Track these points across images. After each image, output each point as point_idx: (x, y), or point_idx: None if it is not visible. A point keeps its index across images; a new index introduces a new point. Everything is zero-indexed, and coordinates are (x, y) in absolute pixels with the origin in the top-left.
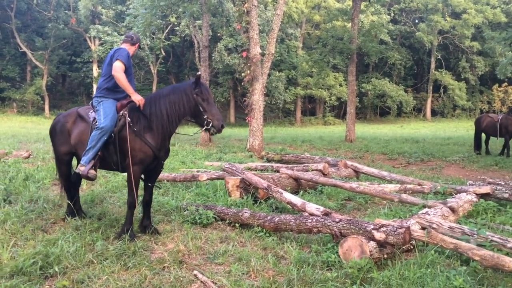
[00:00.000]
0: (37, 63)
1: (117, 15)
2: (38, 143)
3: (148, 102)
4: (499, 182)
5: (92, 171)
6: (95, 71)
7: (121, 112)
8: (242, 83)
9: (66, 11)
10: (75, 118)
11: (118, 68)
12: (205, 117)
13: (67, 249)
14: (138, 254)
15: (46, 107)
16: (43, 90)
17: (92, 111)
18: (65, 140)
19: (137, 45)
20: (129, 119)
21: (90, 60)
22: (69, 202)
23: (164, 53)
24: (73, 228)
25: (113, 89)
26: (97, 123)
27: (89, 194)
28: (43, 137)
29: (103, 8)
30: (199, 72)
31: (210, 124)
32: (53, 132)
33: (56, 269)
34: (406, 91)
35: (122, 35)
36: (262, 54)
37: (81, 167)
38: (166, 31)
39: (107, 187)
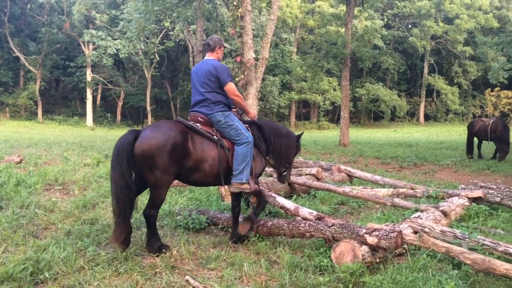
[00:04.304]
0: (30, 67)
1: (111, 19)
2: (30, 148)
3: (269, 130)
4: (491, 186)
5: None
6: (89, 75)
7: None
8: (236, 88)
9: (59, 16)
10: (189, 134)
11: (235, 91)
12: (287, 165)
13: (58, 255)
14: (130, 260)
15: (39, 112)
16: (36, 95)
17: (199, 125)
18: (178, 159)
19: (216, 48)
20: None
21: (84, 64)
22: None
23: (158, 58)
24: (64, 233)
25: (228, 104)
26: (240, 138)
27: (81, 199)
28: (36, 142)
29: (97, 12)
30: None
31: (286, 173)
32: (161, 150)
33: (47, 275)
34: (399, 96)
35: (116, 39)
36: (256, 59)
37: (242, 185)
38: (160, 35)
39: (99, 192)
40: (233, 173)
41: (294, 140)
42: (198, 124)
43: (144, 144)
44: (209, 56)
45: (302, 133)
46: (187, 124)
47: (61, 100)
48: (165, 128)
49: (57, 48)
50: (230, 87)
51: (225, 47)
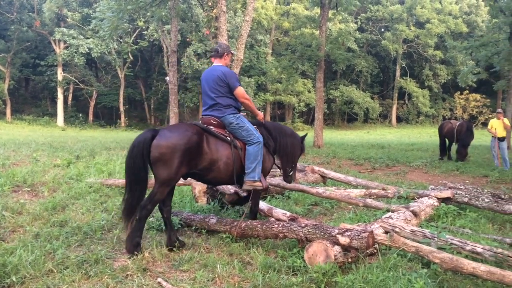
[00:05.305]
0: None
1: (83, 18)
2: None
3: (275, 130)
4: (459, 187)
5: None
6: (60, 74)
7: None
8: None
9: (30, 13)
10: (205, 135)
11: (244, 95)
12: (293, 165)
13: (26, 258)
14: (100, 262)
15: (8, 111)
16: (5, 94)
17: (213, 127)
18: (191, 159)
19: (224, 54)
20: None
21: (55, 63)
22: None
23: (132, 58)
24: (32, 236)
25: (238, 107)
26: (251, 139)
27: (51, 201)
28: (4, 143)
29: (69, 10)
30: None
31: (292, 172)
32: (177, 150)
33: (14, 279)
34: (372, 98)
35: (88, 38)
36: (231, 60)
37: (254, 182)
38: (134, 35)
39: (70, 194)
40: (246, 171)
41: (298, 140)
42: (211, 127)
43: (162, 142)
44: (217, 63)
45: (306, 135)
46: (202, 126)
47: (31, 99)
48: (182, 129)
49: (27, 47)
50: (240, 91)
51: (232, 53)
